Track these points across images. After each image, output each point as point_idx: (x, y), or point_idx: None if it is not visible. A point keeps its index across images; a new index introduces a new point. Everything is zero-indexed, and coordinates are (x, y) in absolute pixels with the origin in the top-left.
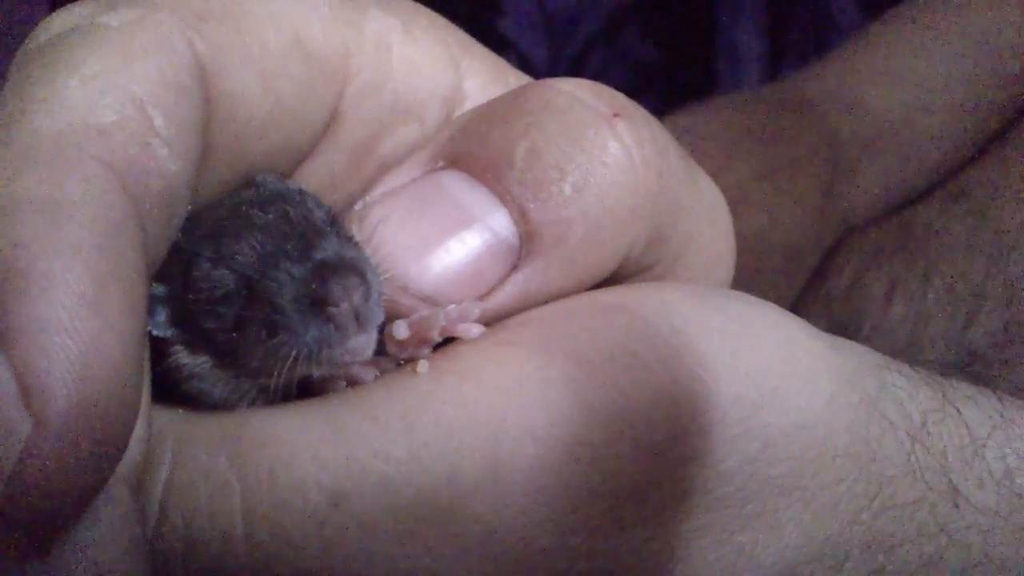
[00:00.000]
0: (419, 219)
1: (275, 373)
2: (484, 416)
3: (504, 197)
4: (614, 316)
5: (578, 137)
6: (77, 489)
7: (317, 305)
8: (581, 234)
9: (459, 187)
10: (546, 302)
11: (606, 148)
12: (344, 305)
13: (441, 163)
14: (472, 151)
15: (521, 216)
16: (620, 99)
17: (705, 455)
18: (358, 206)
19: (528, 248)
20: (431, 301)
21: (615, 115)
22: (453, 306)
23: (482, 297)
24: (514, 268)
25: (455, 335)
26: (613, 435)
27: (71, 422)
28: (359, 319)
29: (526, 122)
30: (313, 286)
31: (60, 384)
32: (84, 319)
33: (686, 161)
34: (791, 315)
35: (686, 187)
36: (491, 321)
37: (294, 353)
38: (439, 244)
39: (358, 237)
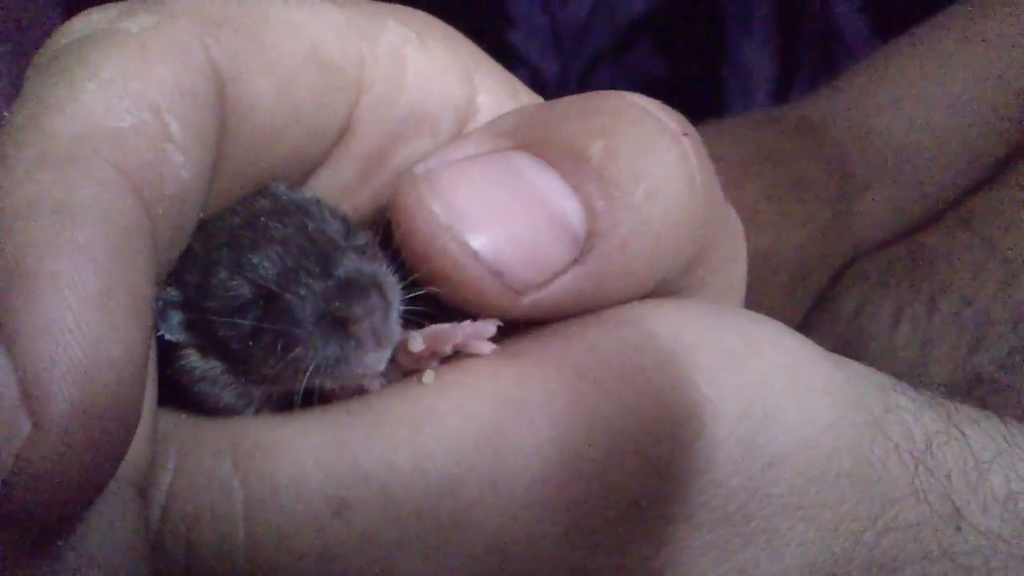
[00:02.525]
0: (491, 189)
1: (287, 383)
2: (488, 428)
3: (577, 187)
4: (621, 331)
5: (653, 148)
6: (75, 491)
7: (339, 322)
8: (644, 242)
9: (532, 168)
10: (593, 309)
11: (678, 164)
12: (365, 323)
13: (509, 143)
14: (547, 139)
15: (590, 211)
16: (684, 120)
17: (708, 472)
18: (420, 169)
19: (591, 245)
20: (496, 273)
21: (684, 134)
22: (468, 322)
23: (540, 285)
24: (575, 262)
25: (468, 350)
26: (617, 450)
27: (70, 424)
28: (377, 336)
29: (602, 123)
30: (336, 304)
31: (61, 386)
32: (89, 321)
33: (723, 191)
34: (797, 334)
35: (724, 214)
36: (541, 316)
37: (311, 367)
38: (510, 217)
39: (422, 196)
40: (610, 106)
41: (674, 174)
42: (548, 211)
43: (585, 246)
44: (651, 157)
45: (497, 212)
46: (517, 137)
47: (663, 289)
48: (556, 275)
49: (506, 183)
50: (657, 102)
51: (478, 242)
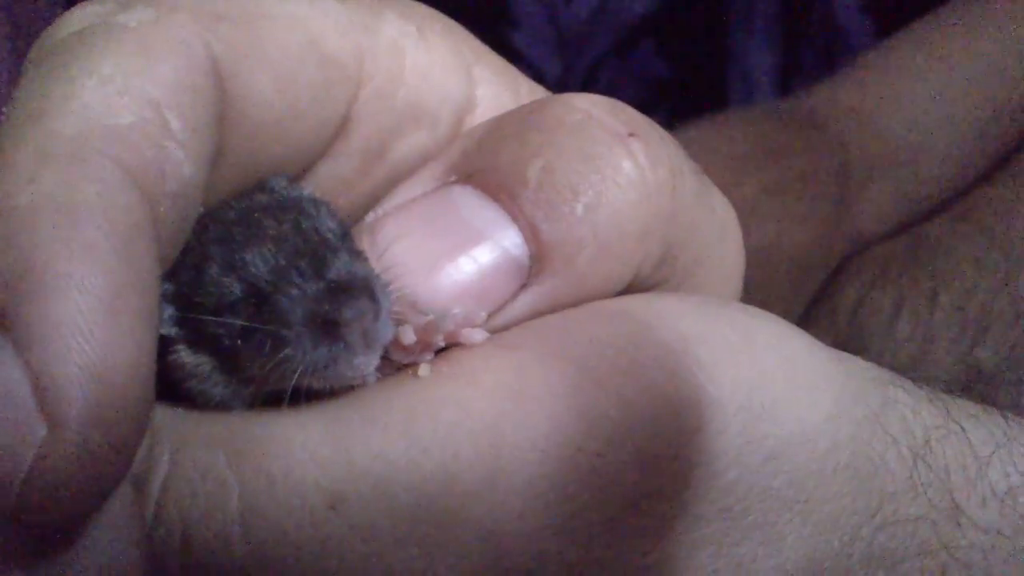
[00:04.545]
0: (430, 235)
1: (276, 383)
2: (484, 421)
3: (516, 215)
4: (618, 323)
5: (592, 156)
6: (89, 492)
7: (329, 325)
8: (592, 254)
9: (471, 204)
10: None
11: (620, 168)
12: (355, 326)
13: (453, 177)
14: (485, 167)
15: (532, 235)
16: (635, 117)
17: (706, 465)
18: (369, 218)
19: (538, 267)
20: (440, 316)
21: (630, 134)
22: (458, 310)
23: (492, 315)
24: (524, 286)
25: (459, 341)
26: (614, 443)
27: (85, 427)
28: (366, 339)
29: (540, 139)
30: (326, 306)
31: (75, 388)
32: (100, 323)
33: (699, 179)
34: (795, 328)
35: (699, 206)
36: (503, 329)
37: (300, 368)
38: (449, 261)
39: (368, 250)
40: (552, 116)
41: (619, 179)
42: (488, 247)
43: (533, 269)
44: (590, 166)
45: (435, 259)
46: (463, 167)
47: (641, 284)
48: (504, 305)
49: (444, 224)
50: (604, 101)
51: (417, 292)
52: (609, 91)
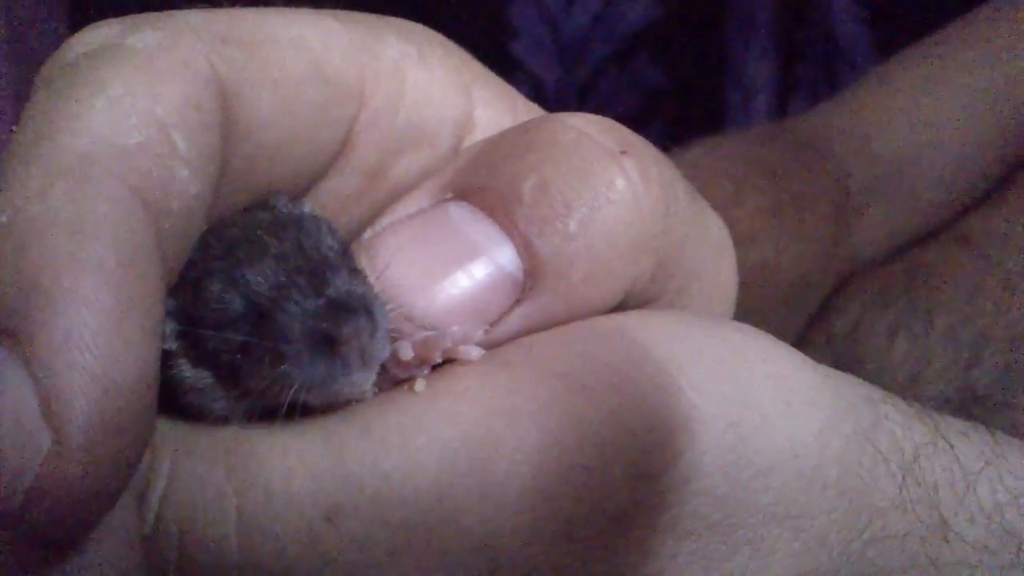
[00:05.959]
0: (425, 250)
1: (273, 398)
2: (478, 435)
3: (510, 231)
4: (611, 340)
5: (585, 173)
6: (93, 503)
7: (325, 341)
8: (585, 270)
9: (466, 219)
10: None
11: (613, 185)
12: (352, 343)
13: (449, 194)
14: (480, 184)
15: (526, 250)
16: (628, 135)
17: (696, 481)
18: (366, 235)
19: (532, 282)
20: (434, 330)
21: (623, 152)
22: (456, 327)
23: (486, 330)
24: (518, 302)
25: (456, 357)
26: (605, 459)
27: (89, 439)
28: (363, 356)
29: (535, 157)
30: (324, 324)
31: (80, 401)
32: (106, 337)
33: (692, 197)
34: (786, 345)
35: (691, 223)
36: (498, 344)
37: (297, 384)
38: (444, 276)
39: (366, 266)
40: (547, 135)
41: (612, 196)
42: (483, 263)
43: (527, 284)
44: (585, 184)
45: (429, 272)
46: (459, 185)
47: (633, 300)
48: (499, 320)
49: (439, 239)
50: (598, 120)
51: (414, 307)
52: (607, 101)
